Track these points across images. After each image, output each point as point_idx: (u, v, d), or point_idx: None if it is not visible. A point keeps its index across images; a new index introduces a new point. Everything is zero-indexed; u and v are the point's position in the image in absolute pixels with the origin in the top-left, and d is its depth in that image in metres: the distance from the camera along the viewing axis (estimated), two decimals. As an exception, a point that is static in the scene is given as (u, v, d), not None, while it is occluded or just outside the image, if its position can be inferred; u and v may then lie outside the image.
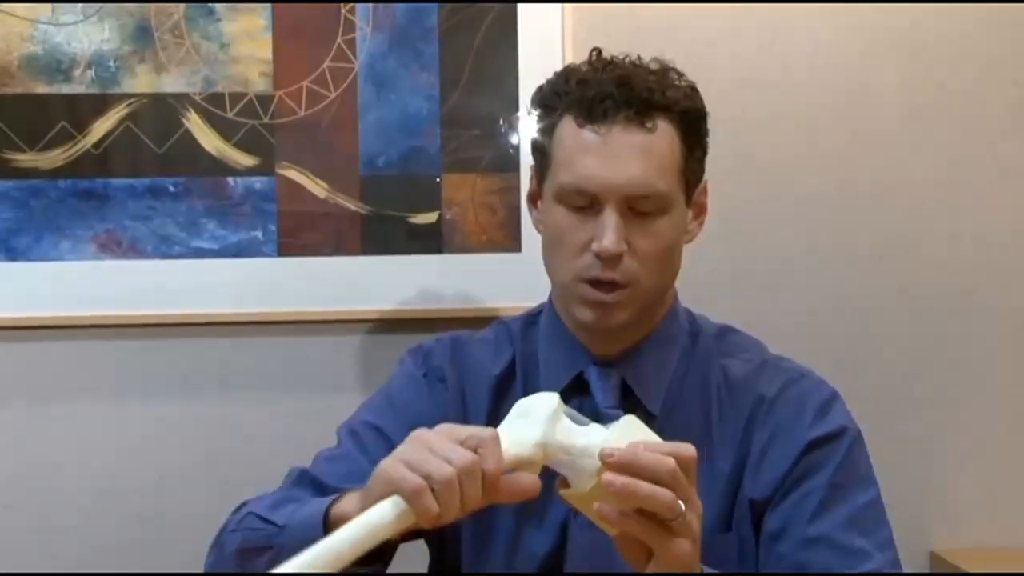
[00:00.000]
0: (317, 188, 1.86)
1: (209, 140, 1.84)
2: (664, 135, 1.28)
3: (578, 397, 1.33)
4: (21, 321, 1.82)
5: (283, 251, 1.86)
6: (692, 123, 1.31)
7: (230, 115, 1.84)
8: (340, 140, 1.85)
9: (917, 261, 1.95)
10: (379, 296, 1.86)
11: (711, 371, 1.36)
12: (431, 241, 1.87)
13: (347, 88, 1.85)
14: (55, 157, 1.82)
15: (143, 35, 1.83)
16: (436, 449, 1.03)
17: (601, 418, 1.21)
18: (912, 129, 1.94)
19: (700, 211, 1.38)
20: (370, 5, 1.85)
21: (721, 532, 1.30)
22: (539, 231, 1.38)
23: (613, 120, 1.26)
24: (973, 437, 1.96)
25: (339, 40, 1.85)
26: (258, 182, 1.85)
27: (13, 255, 1.82)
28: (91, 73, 1.82)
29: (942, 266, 1.95)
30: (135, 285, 1.83)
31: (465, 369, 1.40)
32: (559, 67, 1.39)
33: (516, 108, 1.86)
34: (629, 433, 1.07)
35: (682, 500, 1.04)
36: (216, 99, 1.84)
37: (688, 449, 1.07)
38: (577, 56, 1.70)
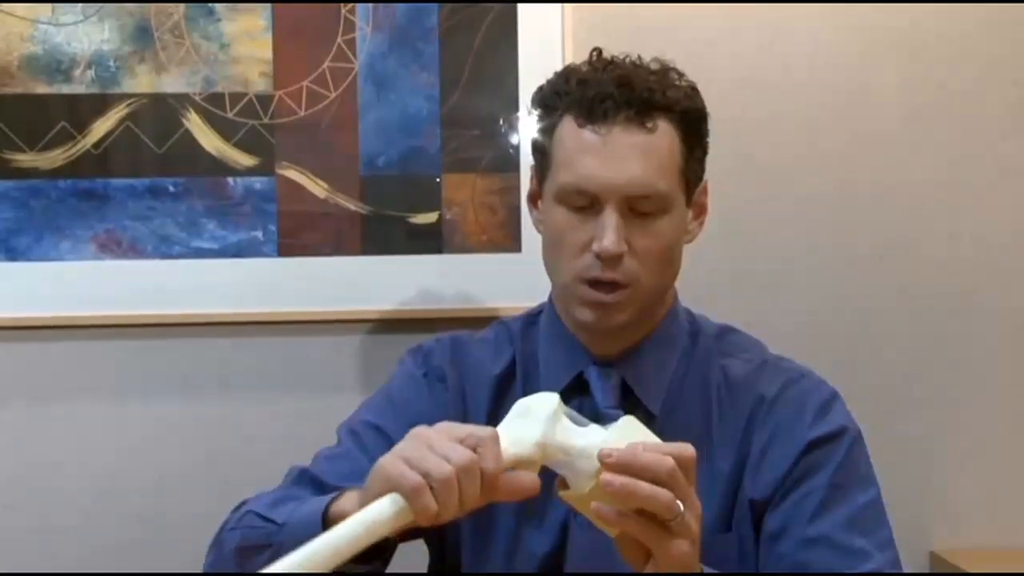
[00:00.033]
0: (317, 188, 1.86)
1: (209, 140, 1.84)
2: (664, 135, 1.28)
3: (578, 397, 1.33)
4: (21, 321, 1.82)
5: (283, 251, 1.86)
6: (692, 123, 1.31)
7: (230, 115, 1.84)
8: (340, 140, 1.85)
9: (917, 261, 1.95)
10: (379, 296, 1.86)
11: (711, 371, 1.36)
12: (431, 241, 1.87)
13: (347, 88, 1.85)
14: (55, 157, 1.82)
15: (143, 35, 1.83)
16: (435, 447, 1.03)
17: (601, 418, 1.21)
18: (912, 129, 1.94)
19: (700, 211, 1.38)
20: (370, 5, 1.85)
21: (721, 532, 1.30)
22: (539, 231, 1.38)
23: (613, 120, 1.26)
24: (973, 437, 1.96)
25: (339, 40, 1.85)
26: (258, 182, 1.85)
27: (13, 255, 1.82)
28: (91, 73, 1.82)
29: (942, 266, 1.95)
30: (135, 285, 1.83)
31: (465, 369, 1.40)
32: (559, 67, 1.39)
33: (516, 108, 1.86)
34: (628, 434, 1.07)
35: (680, 500, 1.04)
36: (216, 99, 1.84)
37: (687, 449, 1.07)
38: (577, 56, 1.71)
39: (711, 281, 1.80)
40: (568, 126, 1.29)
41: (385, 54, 1.86)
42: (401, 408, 1.37)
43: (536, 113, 1.35)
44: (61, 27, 1.82)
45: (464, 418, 1.35)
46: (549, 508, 1.30)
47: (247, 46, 1.84)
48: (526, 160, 1.71)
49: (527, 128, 1.82)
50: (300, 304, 1.86)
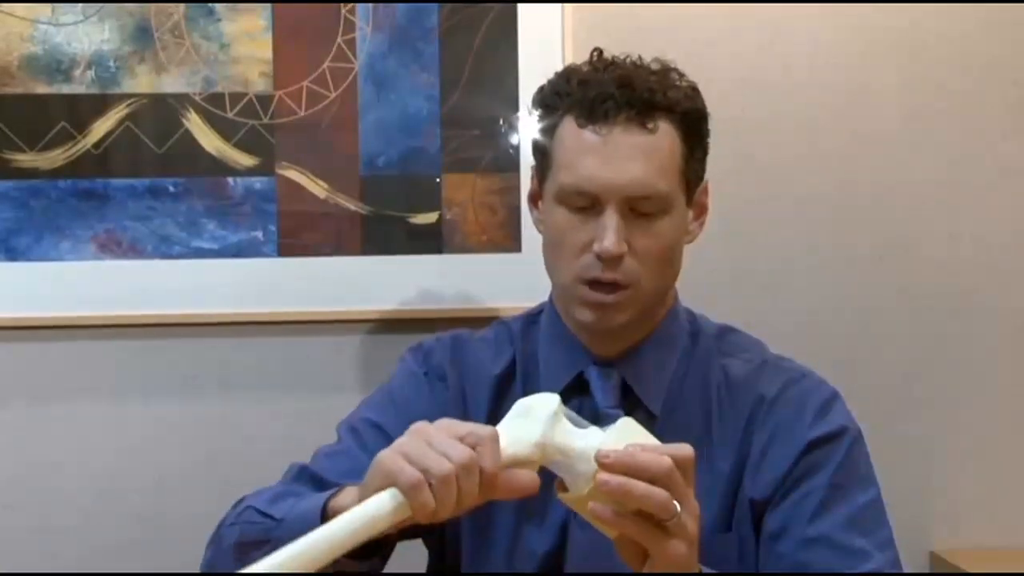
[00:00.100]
0: (317, 188, 1.86)
1: (209, 140, 1.84)
2: (665, 136, 1.28)
3: (578, 397, 1.33)
4: (21, 321, 1.82)
5: (283, 251, 1.85)
6: (693, 124, 1.31)
7: (230, 115, 1.84)
8: (340, 140, 1.85)
9: (917, 261, 1.95)
10: (379, 296, 1.86)
11: (711, 371, 1.36)
12: (431, 241, 1.87)
13: (347, 88, 1.85)
14: (55, 157, 1.82)
15: (143, 35, 1.83)
16: (435, 444, 1.03)
17: (601, 418, 1.21)
18: (912, 129, 1.94)
19: (701, 211, 1.38)
20: (370, 5, 1.85)
21: (721, 532, 1.30)
22: (540, 231, 1.38)
23: (614, 121, 1.26)
24: (973, 437, 1.96)
25: (339, 40, 1.85)
26: (258, 182, 1.85)
27: (13, 255, 1.82)
28: (91, 73, 1.82)
29: (942, 266, 1.95)
30: (135, 285, 1.83)
31: (465, 368, 1.40)
32: (559, 67, 1.39)
33: (516, 108, 1.86)
34: (626, 435, 1.07)
35: (678, 500, 1.04)
36: (216, 99, 1.84)
37: (685, 450, 1.07)
38: (577, 56, 1.71)
39: (711, 281, 1.80)
40: (569, 126, 1.29)
41: (385, 54, 1.86)
42: (401, 406, 1.37)
43: (537, 113, 1.35)
44: (61, 27, 1.82)
45: (464, 417, 1.35)
46: (549, 507, 1.30)
47: (247, 46, 1.84)
48: (526, 160, 1.71)
49: (527, 128, 1.82)
50: (300, 304, 1.86)
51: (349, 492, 1.14)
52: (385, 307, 1.87)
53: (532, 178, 1.39)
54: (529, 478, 1.05)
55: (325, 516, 1.13)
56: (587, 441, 1.06)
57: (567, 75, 1.33)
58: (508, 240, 1.87)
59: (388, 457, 1.04)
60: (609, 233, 1.26)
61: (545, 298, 1.42)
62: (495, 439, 1.04)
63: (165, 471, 1.87)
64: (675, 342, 1.37)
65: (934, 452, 1.96)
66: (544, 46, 1.85)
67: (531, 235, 1.58)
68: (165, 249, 1.84)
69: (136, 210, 1.84)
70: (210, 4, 1.83)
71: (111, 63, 1.82)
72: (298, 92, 1.85)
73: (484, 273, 1.87)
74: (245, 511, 1.28)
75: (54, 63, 1.82)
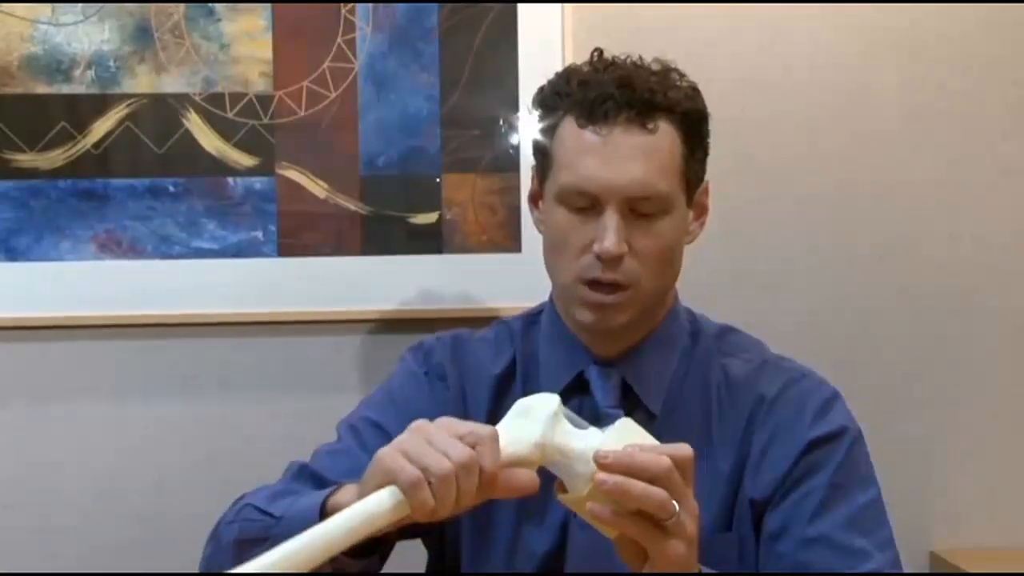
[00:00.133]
0: (317, 188, 1.86)
1: (209, 140, 1.84)
2: (665, 136, 1.28)
3: (578, 396, 1.33)
4: (21, 321, 1.82)
5: (283, 251, 1.85)
6: (693, 124, 1.31)
7: (230, 115, 1.84)
8: (340, 140, 1.85)
9: (917, 261, 1.95)
10: (379, 296, 1.86)
11: (712, 371, 1.36)
12: (431, 241, 1.87)
13: (347, 88, 1.85)
14: (55, 157, 1.82)
15: (143, 35, 1.83)
16: (435, 442, 1.03)
17: (601, 417, 1.21)
18: (912, 129, 1.94)
19: (701, 211, 1.38)
20: (370, 5, 1.85)
21: (721, 532, 1.30)
22: (540, 231, 1.38)
23: (614, 121, 1.26)
24: (973, 437, 1.96)
25: (339, 40, 1.85)
26: (258, 182, 1.85)
27: (13, 255, 1.82)
28: (91, 73, 1.82)
29: (942, 266, 1.95)
30: (135, 285, 1.83)
31: (466, 368, 1.40)
32: (559, 67, 1.39)
33: (516, 108, 1.86)
34: (625, 436, 1.07)
35: (676, 500, 1.04)
36: (216, 99, 1.84)
37: (684, 449, 1.07)
38: (577, 56, 1.71)
39: (711, 281, 1.80)
40: (569, 127, 1.29)
41: (385, 54, 1.86)
42: (402, 406, 1.37)
43: (537, 113, 1.34)
44: (61, 27, 1.82)
45: (464, 417, 1.34)
46: (549, 507, 1.30)
47: (247, 46, 1.84)
48: (526, 160, 1.72)
49: (527, 128, 1.82)
50: (300, 304, 1.86)
51: (348, 490, 1.14)
52: (385, 307, 1.87)
53: (532, 178, 1.39)
54: (528, 478, 1.05)
55: (324, 513, 1.13)
56: (586, 442, 1.06)
57: (567, 75, 1.33)
58: (508, 240, 1.87)
59: (388, 455, 1.04)
60: (609, 233, 1.26)
61: (545, 298, 1.42)
62: (495, 439, 1.04)
63: (165, 471, 1.87)
64: (675, 342, 1.37)
65: (934, 452, 1.96)
66: (544, 46, 1.85)
67: (531, 235, 1.58)
68: (165, 249, 1.84)
69: (136, 210, 1.84)
70: (210, 4, 1.83)
71: (111, 63, 1.82)
72: (298, 92, 1.85)
73: (484, 273, 1.87)
74: (244, 508, 1.28)
75: (54, 63, 1.82)
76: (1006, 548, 1.95)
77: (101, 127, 1.83)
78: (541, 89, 1.35)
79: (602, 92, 1.27)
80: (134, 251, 1.84)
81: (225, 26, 1.83)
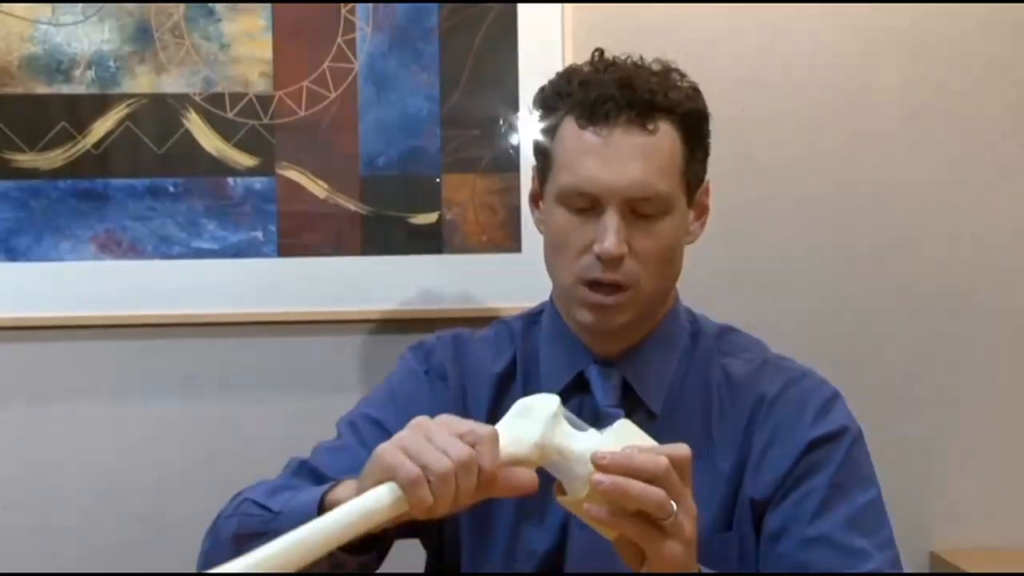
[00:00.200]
0: (317, 188, 1.86)
1: (209, 140, 1.84)
2: (666, 137, 1.28)
3: (579, 396, 1.33)
4: (21, 321, 1.82)
5: (283, 251, 1.86)
6: (694, 124, 1.31)
7: (230, 115, 1.84)
8: (340, 140, 1.85)
9: (917, 261, 1.95)
10: (379, 296, 1.86)
11: (712, 371, 1.36)
12: (431, 241, 1.87)
13: (347, 88, 1.85)
14: (55, 157, 1.82)
15: (143, 35, 1.83)
16: (435, 440, 1.03)
17: (601, 417, 1.21)
18: (912, 129, 1.94)
19: (702, 212, 1.38)
20: (370, 5, 1.85)
21: (721, 532, 1.30)
22: (541, 232, 1.38)
23: (615, 122, 1.26)
24: (973, 437, 1.96)
25: (339, 40, 1.85)
26: (258, 182, 1.85)
27: (13, 255, 1.82)
28: (91, 73, 1.82)
29: (942, 266, 1.95)
30: (135, 285, 1.83)
31: (466, 368, 1.40)
32: (559, 67, 1.39)
33: (516, 108, 1.86)
34: (623, 437, 1.07)
35: (674, 500, 1.04)
36: (216, 99, 1.84)
37: (682, 450, 1.06)
38: (577, 56, 1.71)
39: (711, 281, 1.80)
40: (569, 127, 1.29)
41: (385, 54, 1.86)
42: (402, 404, 1.37)
43: (537, 114, 1.34)
44: (61, 27, 1.82)
45: (464, 416, 1.34)
46: (549, 506, 1.30)
47: (247, 46, 1.84)
48: (526, 160, 1.72)
49: (527, 128, 1.82)
50: (300, 304, 1.86)
51: (347, 486, 1.14)
52: (385, 307, 1.87)
53: (533, 179, 1.39)
54: (528, 477, 1.05)
55: (323, 509, 1.13)
56: (586, 444, 1.06)
57: (568, 76, 1.32)
58: (508, 240, 1.87)
59: (387, 451, 1.03)
60: (610, 234, 1.26)
61: (545, 298, 1.42)
62: (495, 438, 1.04)
63: (165, 471, 1.87)
64: (676, 342, 1.37)
65: (934, 452, 1.96)
66: (544, 46, 1.85)
67: (531, 235, 1.58)
68: (165, 249, 1.84)
69: (136, 210, 1.84)
70: (210, 4, 1.83)
71: (111, 63, 1.82)
72: (298, 92, 1.85)
73: (484, 273, 1.87)
74: (243, 503, 1.28)
75: (54, 63, 1.82)
76: (1006, 548, 1.95)
77: (101, 127, 1.83)
78: (542, 89, 1.35)
79: (603, 93, 1.27)
80: (134, 251, 1.84)
81: (225, 26, 1.83)
